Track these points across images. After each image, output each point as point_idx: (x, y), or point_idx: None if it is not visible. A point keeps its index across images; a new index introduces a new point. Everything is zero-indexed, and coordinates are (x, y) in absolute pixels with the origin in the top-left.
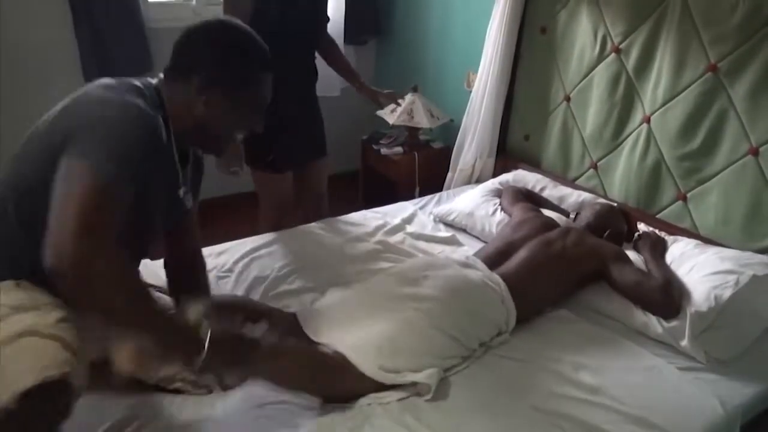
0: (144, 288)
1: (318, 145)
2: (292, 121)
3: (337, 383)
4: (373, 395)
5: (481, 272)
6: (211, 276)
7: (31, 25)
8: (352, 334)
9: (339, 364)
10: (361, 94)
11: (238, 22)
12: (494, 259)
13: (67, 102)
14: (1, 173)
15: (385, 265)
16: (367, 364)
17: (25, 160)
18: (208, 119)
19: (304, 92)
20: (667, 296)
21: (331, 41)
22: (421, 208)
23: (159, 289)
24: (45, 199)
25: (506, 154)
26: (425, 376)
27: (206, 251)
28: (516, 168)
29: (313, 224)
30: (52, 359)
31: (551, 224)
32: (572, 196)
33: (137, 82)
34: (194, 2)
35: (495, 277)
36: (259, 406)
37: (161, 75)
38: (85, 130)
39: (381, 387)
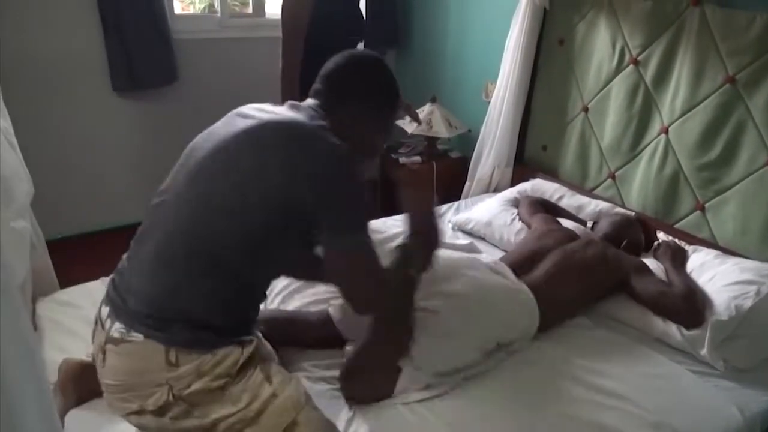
0: None
1: None
2: None
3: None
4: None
5: (508, 278)
6: None
7: (62, 35)
8: None
9: None
10: None
11: (380, 57)
12: (517, 268)
13: (263, 143)
14: (187, 216)
15: None
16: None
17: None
18: (360, 134)
19: None
20: (691, 305)
21: None
22: (440, 216)
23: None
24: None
25: (524, 164)
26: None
27: None
28: (534, 178)
29: None
30: None
31: (572, 236)
32: (590, 206)
33: (310, 114)
34: (219, 15)
35: (521, 284)
36: None
37: (314, 103)
38: (337, 209)
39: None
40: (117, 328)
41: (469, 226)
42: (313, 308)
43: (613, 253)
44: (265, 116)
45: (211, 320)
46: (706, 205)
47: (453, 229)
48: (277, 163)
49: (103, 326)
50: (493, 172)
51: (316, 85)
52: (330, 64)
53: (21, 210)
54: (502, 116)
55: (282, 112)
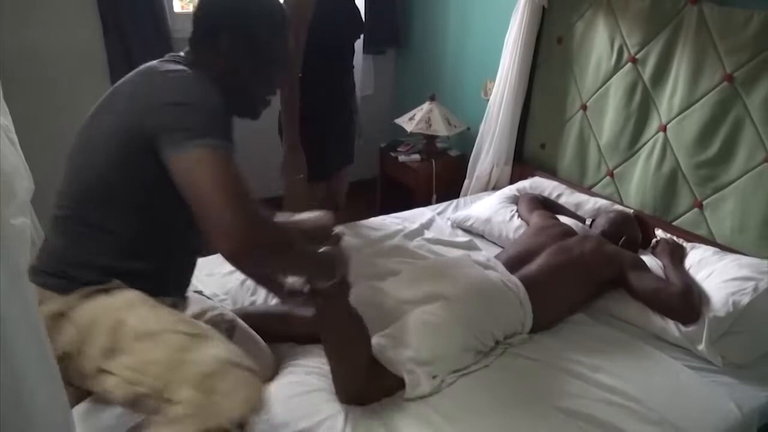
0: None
1: (348, 153)
2: (330, 132)
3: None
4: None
5: (500, 274)
6: (239, 278)
7: (62, 33)
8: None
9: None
10: None
11: None
12: (513, 264)
13: (121, 96)
14: (66, 184)
15: (406, 265)
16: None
17: (91, 164)
18: (237, 80)
19: (344, 102)
20: (686, 302)
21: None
22: (439, 213)
23: None
24: (132, 199)
25: (523, 161)
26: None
27: None
28: (533, 175)
29: None
30: (256, 393)
31: (570, 232)
32: (588, 203)
33: (173, 58)
34: None
35: (514, 279)
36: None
37: (186, 50)
38: (174, 118)
39: (402, 385)
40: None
41: (468, 224)
42: None
43: (609, 249)
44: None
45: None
46: (704, 203)
47: (452, 226)
48: (121, 101)
49: None
50: (492, 170)
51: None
52: None
53: (22, 206)
54: (501, 114)
55: (157, 76)
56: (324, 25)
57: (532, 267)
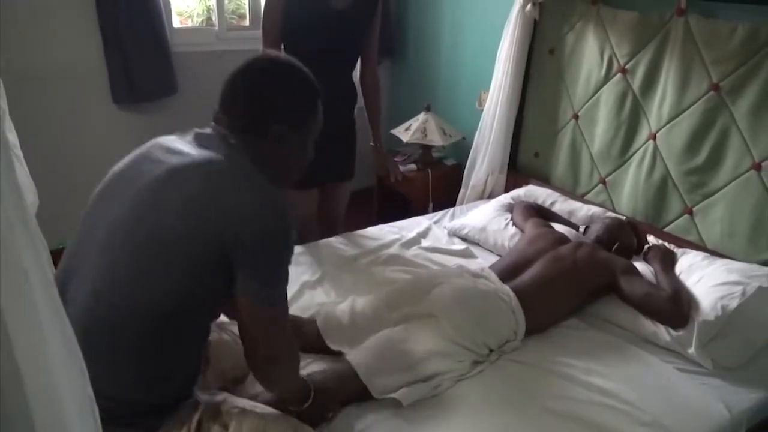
0: None
1: (347, 168)
2: (324, 140)
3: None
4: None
5: (492, 283)
6: None
7: (62, 49)
8: (364, 345)
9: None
10: (374, 152)
11: (280, 55)
12: (508, 273)
13: (170, 194)
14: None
15: (400, 275)
16: (374, 385)
17: (145, 278)
18: (282, 159)
19: (337, 113)
20: (676, 307)
21: (375, 83)
22: (436, 222)
23: None
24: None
25: (517, 170)
26: (401, 395)
27: None
28: (527, 184)
29: (331, 238)
30: None
31: (563, 239)
32: (582, 210)
33: (215, 139)
34: (217, 27)
35: (506, 288)
36: None
37: (213, 125)
38: (255, 257)
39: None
40: None
41: (464, 232)
42: (307, 314)
43: (602, 255)
44: (174, 160)
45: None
46: (694, 209)
47: (448, 235)
48: (173, 200)
49: None
50: (487, 179)
51: (218, 107)
52: (228, 78)
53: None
54: (495, 124)
55: (189, 150)
56: (297, 33)
57: (526, 276)
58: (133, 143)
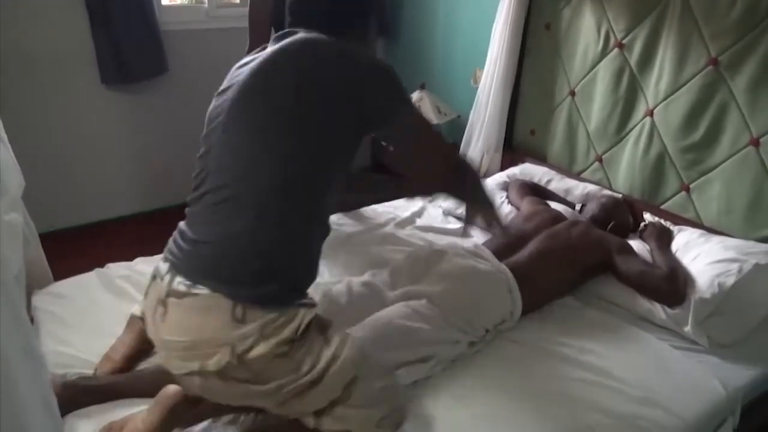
0: None
1: None
2: None
3: None
4: None
5: (488, 261)
6: None
7: (49, 29)
8: (363, 323)
9: None
10: None
11: None
12: (503, 251)
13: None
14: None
15: (396, 254)
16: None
17: (262, 159)
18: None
19: None
20: (671, 285)
21: None
22: (431, 201)
23: None
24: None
25: (513, 148)
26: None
27: None
28: (523, 162)
29: None
30: None
31: (559, 217)
32: (578, 188)
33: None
34: (206, 5)
35: (502, 266)
36: None
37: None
38: (378, 94)
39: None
40: (180, 281)
41: (460, 211)
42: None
43: (597, 233)
44: (268, 51)
45: (278, 271)
46: (691, 186)
47: (444, 214)
48: (306, 72)
49: (162, 279)
50: (482, 158)
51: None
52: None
53: (13, 202)
54: (490, 102)
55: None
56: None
57: (521, 253)
58: (123, 125)
